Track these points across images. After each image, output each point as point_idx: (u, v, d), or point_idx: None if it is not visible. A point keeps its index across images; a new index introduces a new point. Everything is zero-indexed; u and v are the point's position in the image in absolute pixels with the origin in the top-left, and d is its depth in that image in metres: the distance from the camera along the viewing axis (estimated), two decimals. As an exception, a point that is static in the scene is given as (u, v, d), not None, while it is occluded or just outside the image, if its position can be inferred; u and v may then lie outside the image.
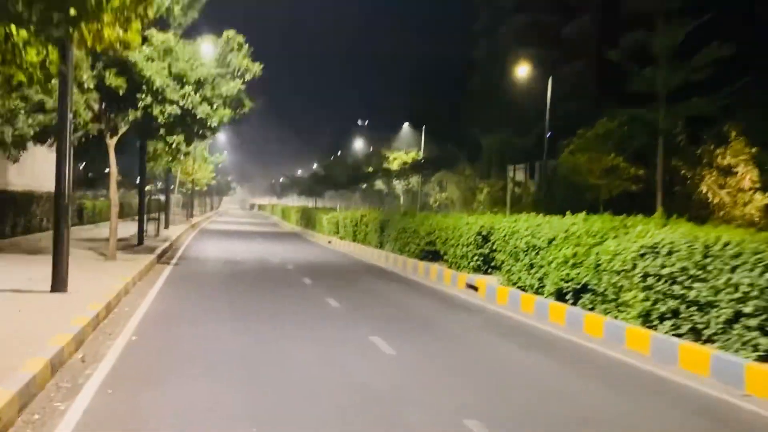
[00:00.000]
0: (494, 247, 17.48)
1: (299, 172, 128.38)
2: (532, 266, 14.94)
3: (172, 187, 49.24)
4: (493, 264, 17.92)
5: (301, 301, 14.61)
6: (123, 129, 18.23)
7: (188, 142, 19.48)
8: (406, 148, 69.22)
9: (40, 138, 18.17)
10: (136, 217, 30.64)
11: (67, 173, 11.92)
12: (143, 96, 17.32)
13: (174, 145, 18.29)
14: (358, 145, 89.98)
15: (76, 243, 23.83)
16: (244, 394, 7.19)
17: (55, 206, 12.13)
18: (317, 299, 14.75)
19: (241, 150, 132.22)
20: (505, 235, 16.37)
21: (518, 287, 15.29)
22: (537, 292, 14.55)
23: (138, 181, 24.81)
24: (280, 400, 7.02)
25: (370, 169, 56.10)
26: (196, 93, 17.64)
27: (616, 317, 11.84)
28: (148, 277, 16.71)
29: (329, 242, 38.38)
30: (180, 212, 59.77)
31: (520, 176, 65.26)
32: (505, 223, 16.96)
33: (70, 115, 11.82)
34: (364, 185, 59.45)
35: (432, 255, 22.13)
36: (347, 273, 22.22)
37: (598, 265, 12.49)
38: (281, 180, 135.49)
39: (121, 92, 17.12)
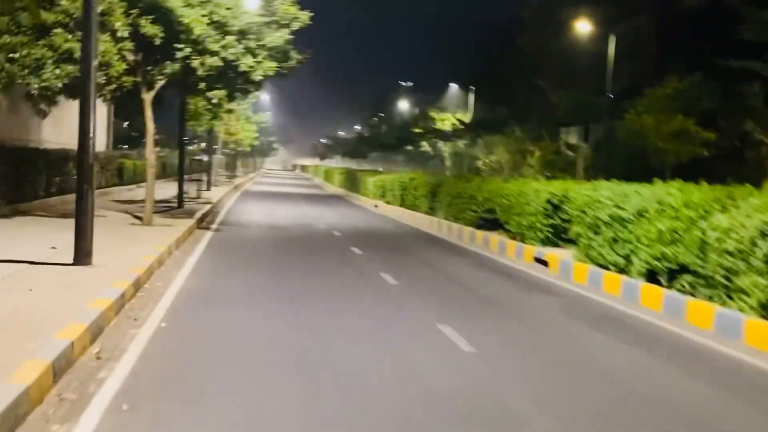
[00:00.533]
0: (568, 218, 15.67)
1: (342, 133, 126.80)
2: (615, 241, 13.11)
3: (215, 147, 48.08)
4: (565, 236, 16.14)
5: (355, 277, 13.04)
6: (160, 83, 16.71)
7: (230, 97, 17.89)
8: (453, 109, 66.96)
9: (69, 91, 16.75)
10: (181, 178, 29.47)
11: (91, 128, 10.47)
12: (181, 46, 15.74)
13: (215, 101, 16.67)
14: (403, 106, 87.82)
15: (112, 205, 22.70)
16: (300, 410, 5.62)
17: (78, 165, 10.64)
18: (372, 275, 13.16)
19: (284, 111, 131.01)
20: (582, 205, 14.51)
21: (598, 264, 13.50)
22: (622, 271, 12.76)
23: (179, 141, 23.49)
24: (348, 422, 5.45)
25: (418, 130, 54.06)
26: (238, 43, 16.00)
27: (723, 304, 10.03)
28: (186, 245, 15.31)
29: (375, 206, 36.81)
30: (223, 173, 58.76)
31: (572, 140, 62.74)
32: (582, 191, 15.09)
33: (94, 62, 10.30)
34: (411, 147, 57.45)
35: (490, 223, 20.38)
36: (398, 242, 20.62)
37: (704, 244, 10.64)
38: (324, 141, 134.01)
39: (157, 42, 15.57)
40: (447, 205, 24.50)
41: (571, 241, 15.47)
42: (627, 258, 12.63)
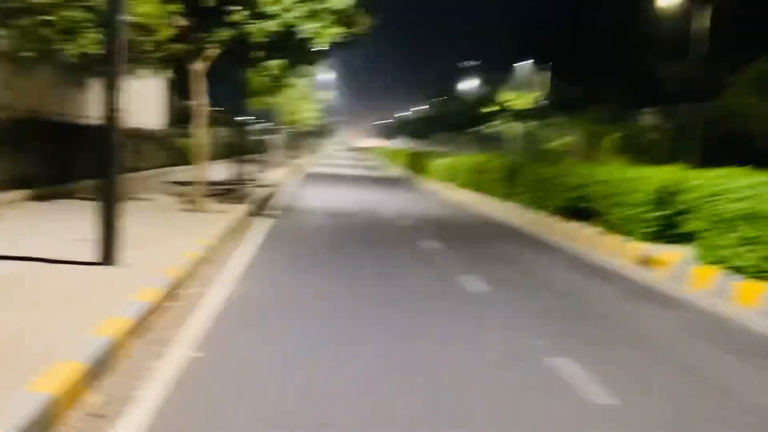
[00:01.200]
0: (684, 209, 13.24)
1: (404, 113, 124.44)
2: (751, 241, 10.70)
3: (277, 126, 46.55)
4: (675, 232, 13.73)
5: (432, 280, 10.94)
6: (214, 52, 14.89)
7: (292, 68, 15.97)
8: (525, 87, 63.93)
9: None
10: (239, 159, 27.87)
11: (119, 99, 8.58)
12: (236, 8, 13.85)
13: (275, 73, 14.75)
14: (470, 84, 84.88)
15: (165, 187, 21.15)
16: None
17: (105, 145, 8.80)
18: (452, 278, 11.05)
19: (346, 90, 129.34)
20: (708, 196, 12.08)
21: (728, 268, 11.10)
22: (759, 277, 10.37)
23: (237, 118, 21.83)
24: None
25: (491, 109, 51.40)
26: (300, 5, 14.01)
27: None
28: (239, 236, 13.50)
29: (444, 190, 34.66)
30: (285, 154, 57.39)
31: (650, 121, 59.32)
32: (703, 180, 12.64)
33: (122, 17, 8.38)
34: (481, 127, 54.67)
35: (581, 213, 18.06)
36: (475, 233, 18.47)
37: None
38: (387, 122, 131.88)
39: (210, 3, 13.71)
40: (527, 191, 22.20)
41: (685, 238, 13.08)
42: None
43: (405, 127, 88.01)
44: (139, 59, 13.75)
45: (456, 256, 13.28)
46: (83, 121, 19.54)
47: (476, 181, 29.51)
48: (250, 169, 28.33)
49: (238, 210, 15.84)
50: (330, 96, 44.40)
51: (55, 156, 17.21)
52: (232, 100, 37.41)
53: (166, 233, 11.40)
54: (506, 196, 24.71)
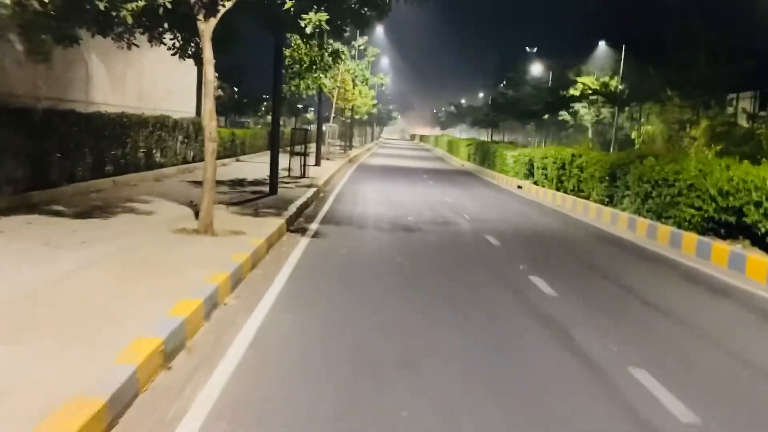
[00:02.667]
0: None
1: (464, 101, 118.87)
2: None
3: (327, 114, 42.16)
4: None
5: (563, 362, 6.20)
6: (225, 4, 10.38)
7: (337, 31, 11.31)
8: (598, 73, 58.03)
9: (100, 23, 10.80)
10: (286, 151, 23.54)
11: None
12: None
13: (309, 30, 10.03)
14: (537, 69, 79.24)
15: (184, 189, 16.86)
16: None
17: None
18: (586, 347, 6.32)
19: (403, 77, 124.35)
20: None
21: None
22: None
23: (272, 105, 17.10)
24: None
25: (576, 91, 45.99)
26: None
27: None
28: (258, 275, 8.98)
29: (519, 187, 29.71)
30: (337, 144, 52.99)
31: (743, 107, 53.61)
32: None
33: None
34: (561, 114, 49.37)
35: (730, 229, 13.16)
36: (581, 252, 13.57)
37: None
38: (445, 109, 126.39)
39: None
40: (640, 195, 17.24)
41: None
42: None
43: (467, 114, 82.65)
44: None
45: (578, 307, 8.50)
46: (60, 107, 15.29)
47: (564, 179, 24.55)
48: (296, 164, 23.93)
49: (263, 227, 11.34)
50: (386, 79, 39.60)
51: (32, 152, 13.01)
52: (262, 81, 33.07)
53: (118, 292, 6.90)
54: (607, 198, 19.76)
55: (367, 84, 39.01)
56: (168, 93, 24.24)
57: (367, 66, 37.46)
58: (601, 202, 20.34)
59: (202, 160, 24.51)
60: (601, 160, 21.50)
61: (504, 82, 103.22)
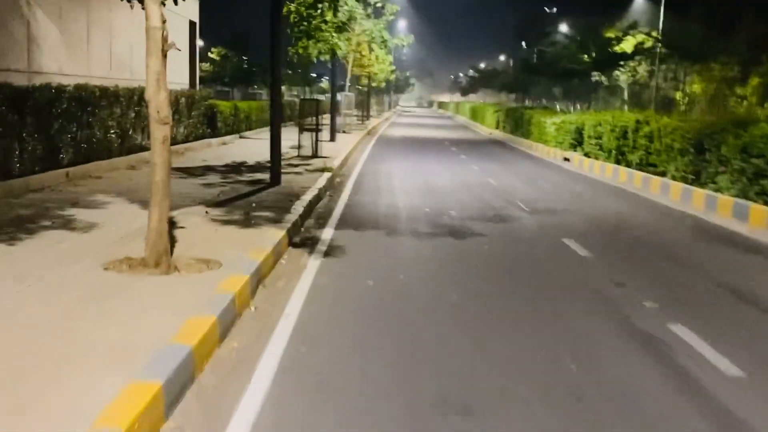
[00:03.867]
0: None
1: (482, 65, 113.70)
2: None
3: (342, 82, 38.16)
4: None
5: None
6: None
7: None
8: (636, 28, 53.21)
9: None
10: (296, 124, 19.77)
11: None
12: None
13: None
14: (563, 29, 74.19)
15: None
16: None
17: None
18: None
19: (420, 42, 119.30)
20: None
21: None
22: None
23: (271, 73, 12.94)
24: None
25: (622, 48, 41.41)
26: None
27: None
28: (228, 360, 5.20)
29: (566, 160, 25.73)
30: (354, 114, 48.92)
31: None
32: None
33: None
34: (602, 75, 44.77)
35: None
36: (705, 261, 9.59)
37: None
38: (466, 75, 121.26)
39: None
40: (747, 174, 13.32)
41: None
42: None
43: (491, 78, 77.89)
44: None
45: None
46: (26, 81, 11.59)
47: (625, 150, 20.57)
48: (307, 140, 20.10)
49: (251, 249, 7.58)
50: (409, 40, 35.36)
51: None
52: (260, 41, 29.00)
53: None
54: (694, 176, 15.82)
55: (386, 47, 34.84)
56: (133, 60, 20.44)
57: (385, 26, 33.30)
58: (684, 180, 16.38)
59: (197, 138, 20.79)
60: (680, 127, 17.46)
61: (524, 44, 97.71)
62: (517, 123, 37.91)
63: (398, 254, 9.11)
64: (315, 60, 21.19)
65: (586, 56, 40.57)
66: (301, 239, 9.40)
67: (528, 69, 51.77)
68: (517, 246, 10.02)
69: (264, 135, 28.18)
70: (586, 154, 24.42)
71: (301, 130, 19.65)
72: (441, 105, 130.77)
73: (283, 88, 67.25)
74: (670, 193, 16.43)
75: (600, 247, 10.05)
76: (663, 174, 17.84)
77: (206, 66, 43.79)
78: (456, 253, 9.37)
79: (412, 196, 14.57)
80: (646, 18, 55.13)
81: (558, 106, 62.59)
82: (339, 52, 32.38)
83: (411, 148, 29.52)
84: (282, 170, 15.58)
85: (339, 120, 33.66)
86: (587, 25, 49.09)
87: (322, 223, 10.76)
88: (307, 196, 11.86)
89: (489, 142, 37.34)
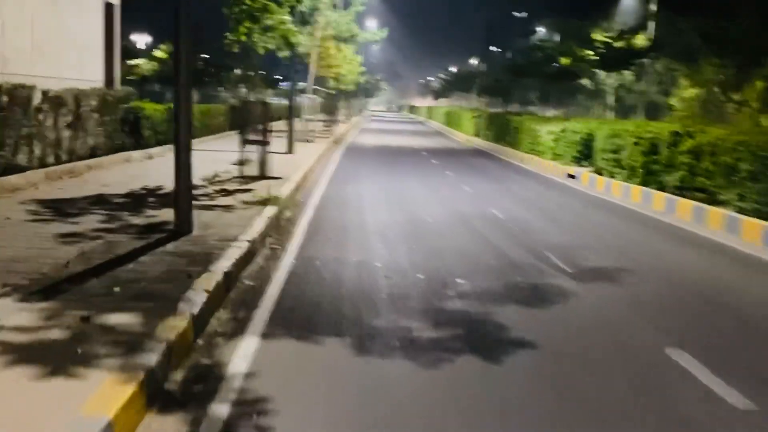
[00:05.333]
0: None
1: (453, 69, 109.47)
2: None
3: (302, 86, 33.39)
4: None
5: None
6: None
7: None
8: (620, 28, 49.16)
9: None
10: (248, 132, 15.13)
11: None
12: None
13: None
14: (530, 32, 70.38)
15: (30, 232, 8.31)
16: None
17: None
18: None
19: (389, 45, 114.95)
20: None
21: None
22: None
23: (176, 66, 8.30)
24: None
25: (638, 45, 37.17)
26: None
27: None
28: None
29: (570, 177, 21.39)
30: (319, 120, 44.07)
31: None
32: None
33: None
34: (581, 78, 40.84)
35: None
36: None
37: None
38: (438, 78, 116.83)
39: None
40: None
41: None
42: None
43: (467, 82, 73.35)
44: None
45: None
46: None
47: (655, 169, 16.28)
48: (252, 155, 15.39)
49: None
50: (382, 34, 30.48)
51: None
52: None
53: None
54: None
55: (355, 42, 30.18)
56: (49, 51, 15.62)
57: (353, 19, 28.66)
58: (759, 214, 12.04)
59: (113, 151, 16.02)
60: (745, 142, 13.13)
61: (494, 48, 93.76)
62: (502, 131, 33.53)
63: (381, 416, 4.49)
64: (261, 51, 16.59)
65: (589, 53, 36.26)
66: (184, 383, 4.73)
67: (514, 70, 47.40)
68: (594, 376, 5.44)
69: (212, 144, 23.42)
70: (598, 171, 20.09)
71: (244, 142, 14.92)
72: (412, 109, 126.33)
73: (243, 90, 61.93)
74: (741, 231, 12.07)
75: (746, 373, 5.53)
76: (719, 202, 13.53)
77: (151, 66, 38.67)
78: (489, 396, 4.80)
79: (393, 244, 9.95)
80: (633, 19, 51.29)
81: (533, 112, 58.54)
82: (299, 48, 27.73)
83: (385, 161, 24.91)
84: (207, 202, 10.93)
85: (300, 127, 28.96)
86: (575, 26, 44.94)
87: (240, 322, 6.09)
88: (225, 263, 7.18)
89: (471, 153, 32.86)
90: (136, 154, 17.96)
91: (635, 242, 11.44)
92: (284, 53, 22.43)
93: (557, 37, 56.76)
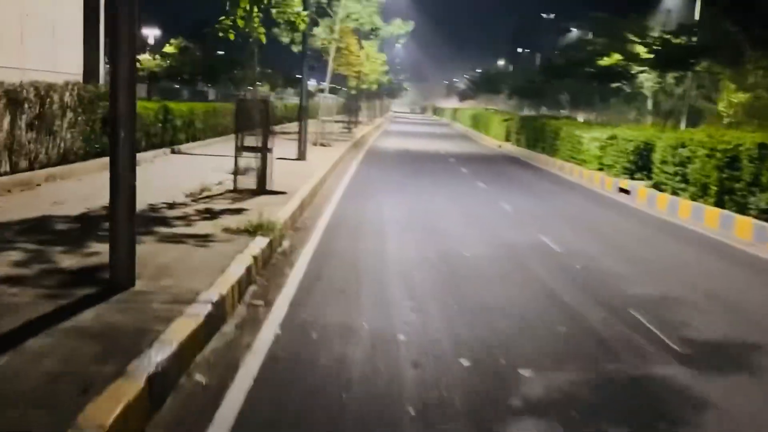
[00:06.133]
0: None
1: (479, 70, 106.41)
2: None
3: (322, 85, 30.76)
4: None
5: None
6: None
7: None
8: (662, 26, 45.94)
9: None
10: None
11: None
12: None
13: None
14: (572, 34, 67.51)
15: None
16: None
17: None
18: None
19: (416, 44, 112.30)
20: None
21: None
22: None
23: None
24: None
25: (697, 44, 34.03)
26: None
27: None
28: None
29: (622, 191, 18.58)
30: (338, 121, 41.48)
31: None
32: None
33: None
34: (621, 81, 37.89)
35: None
36: None
37: None
38: (467, 77, 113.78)
39: None
40: None
41: None
42: None
43: (497, 83, 70.16)
44: None
45: None
46: None
47: (737, 188, 13.46)
48: (247, 162, 12.72)
49: None
50: (404, 29, 27.45)
51: None
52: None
53: None
54: None
55: (377, 37, 27.45)
56: (9, 37, 13.13)
57: (376, 11, 25.95)
58: None
59: (90, 156, 13.55)
60: None
61: (521, 50, 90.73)
62: (537, 136, 30.67)
63: None
64: (264, 39, 14.01)
65: (643, 50, 33.26)
66: None
67: (552, 70, 44.33)
68: None
69: (216, 148, 20.85)
70: (657, 186, 17.26)
71: (239, 149, 12.27)
72: (436, 111, 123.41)
73: (263, 89, 59.48)
74: None
75: None
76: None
77: (157, 62, 36.24)
78: None
79: (422, 298, 7.24)
80: (673, 18, 48.05)
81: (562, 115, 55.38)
82: (317, 43, 25.15)
83: (409, 170, 22.19)
84: (179, 229, 8.39)
85: (316, 129, 26.35)
86: (622, 22, 41.77)
87: None
88: (160, 353, 4.52)
89: (503, 160, 30.04)
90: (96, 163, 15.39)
91: (740, 291, 8.64)
92: (297, 46, 19.78)
93: (593, 37, 53.71)
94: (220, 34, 13.45)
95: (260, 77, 57.51)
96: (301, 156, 19.18)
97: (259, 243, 8.10)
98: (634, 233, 12.75)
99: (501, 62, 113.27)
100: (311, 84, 79.54)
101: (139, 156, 16.29)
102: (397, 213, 12.84)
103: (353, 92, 48.25)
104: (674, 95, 54.70)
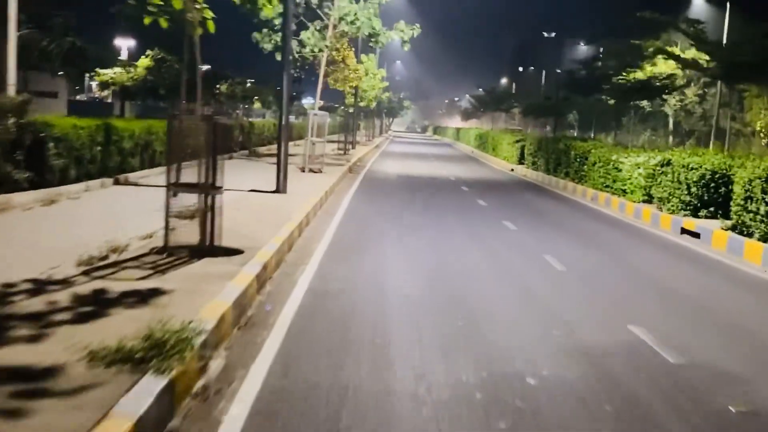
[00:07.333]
0: None
1: (480, 90, 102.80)
2: None
3: (311, 103, 26.82)
4: None
5: None
6: None
7: None
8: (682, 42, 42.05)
9: None
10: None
11: None
12: None
13: None
14: (581, 51, 63.96)
15: None
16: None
17: None
18: None
19: (415, 60, 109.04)
20: None
21: None
22: None
23: None
24: None
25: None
26: None
27: None
28: None
29: (686, 232, 14.60)
30: (331, 142, 37.54)
31: None
32: None
33: None
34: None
35: None
36: None
37: None
38: (472, 95, 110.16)
39: None
40: None
41: None
42: None
43: (505, 101, 66.16)
44: None
45: None
46: None
47: None
48: (226, 204, 8.72)
49: None
50: (416, 30, 23.34)
51: None
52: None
53: None
54: None
55: (376, 43, 23.52)
56: None
57: (375, 13, 22.05)
58: None
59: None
60: None
61: (521, 68, 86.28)
62: (560, 159, 26.70)
63: None
64: (212, 29, 10.20)
65: (704, 57, 29.31)
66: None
67: (573, 86, 40.41)
68: None
69: (188, 174, 16.82)
70: (738, 228, 13.25)
71: (172, 187, 8.25)
72: (437, 130, 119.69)
73: (255, 106, 55.20)
74: None
75: None
76: None
77: (130, 74, 32.30)
78: None
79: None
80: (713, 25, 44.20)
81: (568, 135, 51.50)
82: (305, 50, 21.29)
83: (416, 204, 18.14)
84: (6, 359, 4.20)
85: (306, 149, 22.39)
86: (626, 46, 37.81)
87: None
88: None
89: (521, 187, 26.03)
90: (28, 197, 11.37)
91: None
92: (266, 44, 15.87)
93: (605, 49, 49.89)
94: (146, 21, 9.58)
95: (254, 93, 53.62)
96: (280, 188, 15.12)
97: (141, 399, 4.04)
98: (740, 308, 8.74)
99: (504, 80, 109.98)
100: (307, 102, 75.72)
101: (60, 190, 12.35)
102: (406, 286, 8.67)
103: (350, 110, 44.41)
104: (694, 114, 50.79)
